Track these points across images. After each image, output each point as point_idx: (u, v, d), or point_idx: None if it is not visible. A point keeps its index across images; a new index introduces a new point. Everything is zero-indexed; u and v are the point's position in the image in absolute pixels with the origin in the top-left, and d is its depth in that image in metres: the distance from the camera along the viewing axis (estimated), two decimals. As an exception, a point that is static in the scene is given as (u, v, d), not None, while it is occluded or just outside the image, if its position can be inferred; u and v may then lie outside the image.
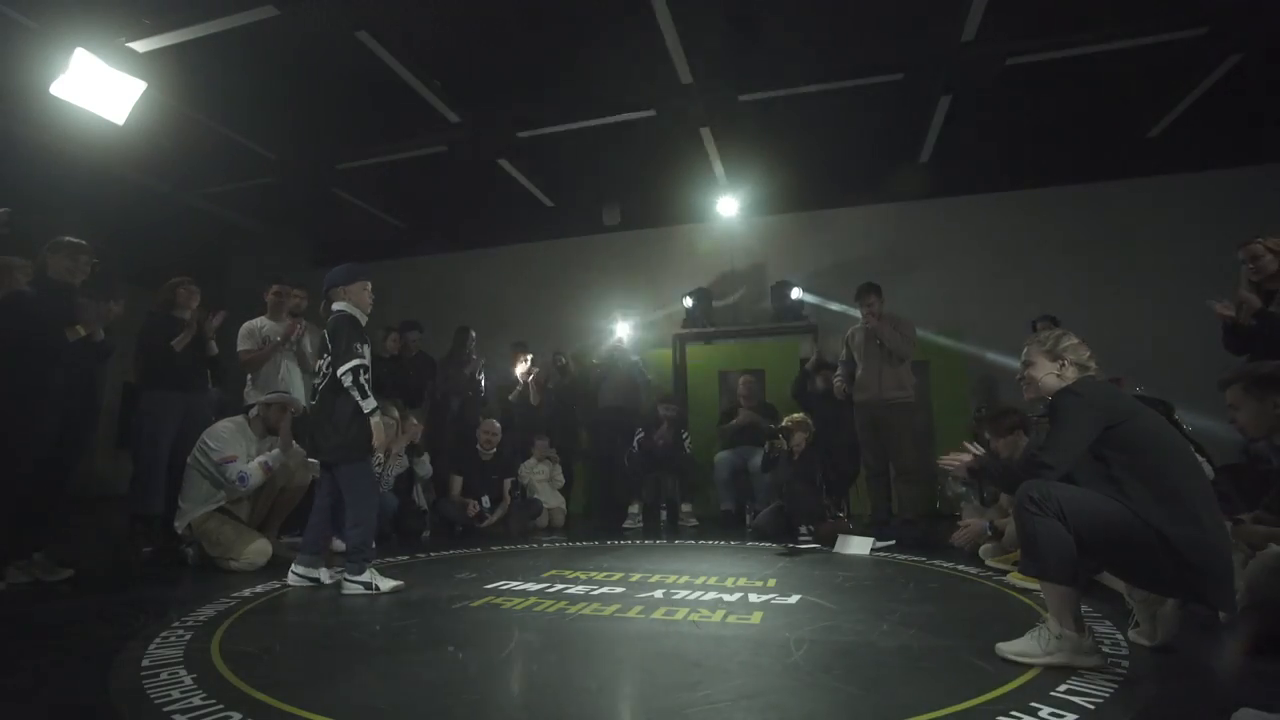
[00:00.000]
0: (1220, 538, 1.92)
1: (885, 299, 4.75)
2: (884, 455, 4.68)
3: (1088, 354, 2.21)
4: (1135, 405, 2.13)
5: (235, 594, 2.98)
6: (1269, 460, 2.72)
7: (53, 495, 3.43)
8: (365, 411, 3.04)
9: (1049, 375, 2.20)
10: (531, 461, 5.89)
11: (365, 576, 3.02)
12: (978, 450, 2.34)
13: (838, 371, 5.11)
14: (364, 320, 3.23)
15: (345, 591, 3.00)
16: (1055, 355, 2.20)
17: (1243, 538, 2.34)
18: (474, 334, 6.35)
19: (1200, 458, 2.82)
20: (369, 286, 3.28)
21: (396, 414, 4.91)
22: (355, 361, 3.02)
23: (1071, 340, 2.23)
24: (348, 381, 3.02)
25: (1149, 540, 1.87)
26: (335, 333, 3.10)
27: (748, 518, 5.56)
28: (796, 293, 7.07)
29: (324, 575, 3.21)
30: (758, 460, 5.60)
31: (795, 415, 5.15)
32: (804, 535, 4.54)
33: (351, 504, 3.12)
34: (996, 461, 2.60)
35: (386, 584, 3.04)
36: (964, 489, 4.71)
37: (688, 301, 7.34)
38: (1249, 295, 3.20)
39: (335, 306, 3.20)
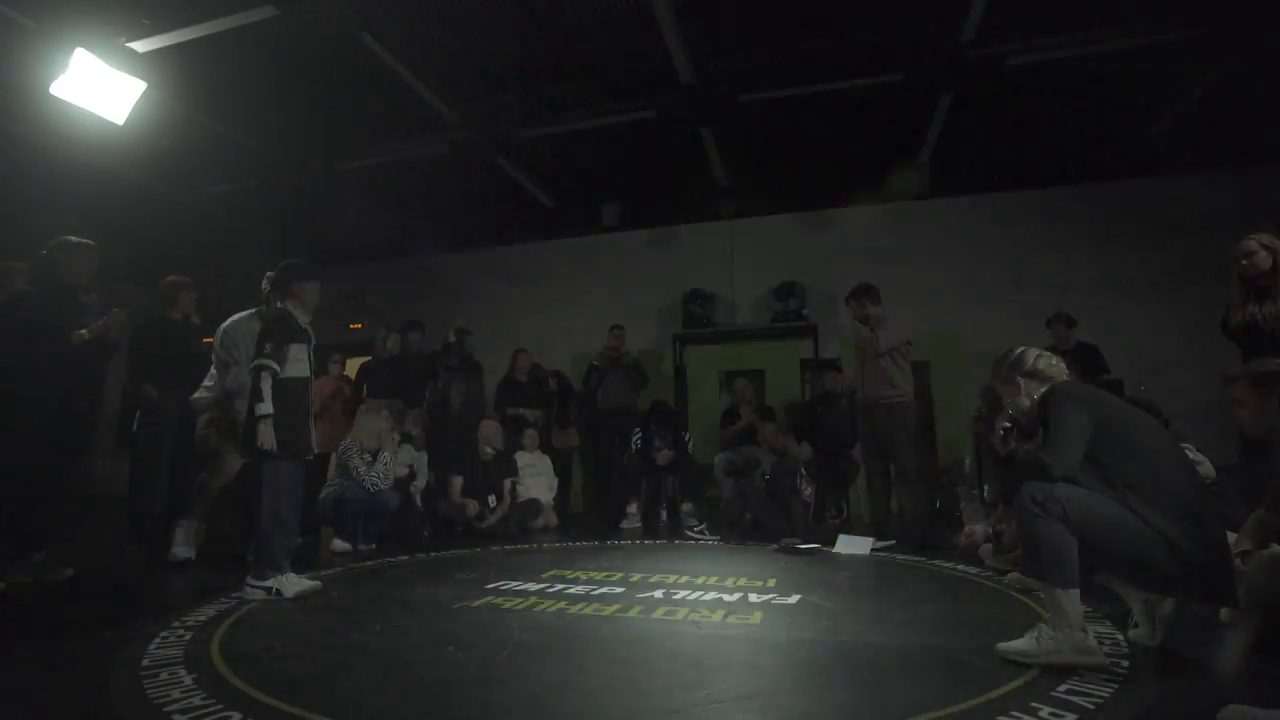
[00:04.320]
0: (1219, 534, 1.92)
1: (878, 300, 4.74)
2: (882, 455, 4.69)
3: (1040, 360, 2.23)
4: (1122, 404, 2.14)
5: (235, 594, 2.97)
6: (1270, 460, 2.72)
7: (53, 495, 3.43)
8: (257, 414, 3.00)
9: (1019, 398, 2.25)
10: (523, 453, 5.87)
11: (268, 582, 2.97)
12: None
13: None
14: (306, 319, 3.23)
15: (247, 596, 2.95)
16: (1010, 379, 2.26)
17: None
18: (453, 336, 6.31)
19: (1200, 456, 2.83)
20: (319, 287, 3.31)
21: (386, 414, 4.90)
22: (259, 362, 3.04)
23: (1014, 356, 2.27)
24: (252, 380, 3.05)
25: (1150, 540, 1.88)
26: (262, 329, 3.14)
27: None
28: (797, 293, 7.07)
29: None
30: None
31: (769, 425, 5.23)
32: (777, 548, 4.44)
33: (255, 503, 3.10)
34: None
35: (293, 589, 2.97)
36: (963, 488, 4.72)
37: (688, 302, 7.34)
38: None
39: (284, 304, 3.22)
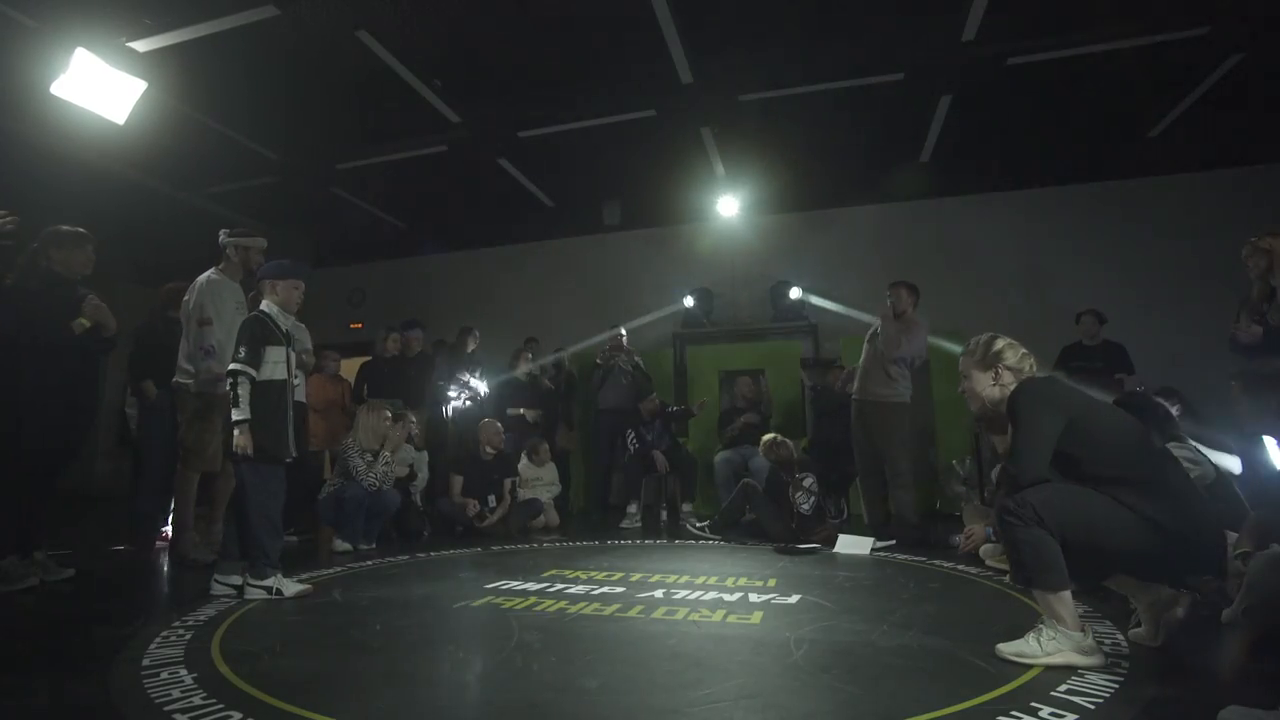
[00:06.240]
0: (1203, 506, 1.92)
1: (916, 302, 4.70)
2: (876, 456, 4.64)
3: (1019, 354, 2.21)
4: (1088, 398, 2.12)
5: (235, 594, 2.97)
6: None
7: (49, 491, 3.41)
8: (233, 419, 2.95)
9: (988, 387, 2.20)
10: (525, 463, 5.85)
11: (268, 581, 2.97)
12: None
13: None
14: (286, 323, 3.17)
15: (247, 596, 2.95)
16: (987, 365, 2.21)
17: None
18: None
19: (1200, 456, 2.83)
20: (301, 287, 3.23)
21: (389, 414, 4.90)
22: (234, 367, 2.98)
23: (998, 345, 2.22)
24: (227, 384, 3.00)
25: (1133, 523, 1.87)
26: (239, 333, 3.08)
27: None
28: (796, 293, 7.06)
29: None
30: (758, 461, 5.61)
31: (769, 436, 5.17)
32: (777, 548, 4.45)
33: (236, 506, 3.09)
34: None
35: (291, 589, 2.99)
36: (963, 489, 4.71)
37: (688, 301, 7.34)
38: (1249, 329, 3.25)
39: (262, 305, 3.17)
